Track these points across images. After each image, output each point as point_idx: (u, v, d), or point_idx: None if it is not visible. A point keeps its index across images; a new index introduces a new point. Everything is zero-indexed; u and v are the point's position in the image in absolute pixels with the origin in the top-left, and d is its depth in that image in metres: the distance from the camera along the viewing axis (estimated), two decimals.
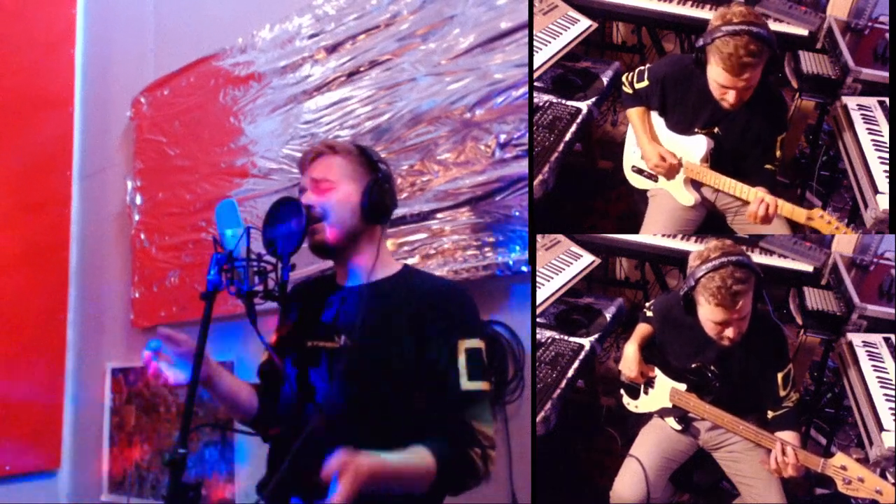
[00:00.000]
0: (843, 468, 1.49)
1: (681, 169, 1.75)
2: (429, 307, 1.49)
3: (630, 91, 1.81)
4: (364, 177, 1.57)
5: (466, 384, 1.44)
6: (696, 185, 1.77)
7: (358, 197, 1.54)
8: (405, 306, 1.50)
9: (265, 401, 1.64)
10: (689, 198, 1.77)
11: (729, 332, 1.60)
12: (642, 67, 1.81)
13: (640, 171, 1.84)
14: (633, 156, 1.85)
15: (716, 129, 1.72)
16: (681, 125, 1.76)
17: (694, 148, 1.73)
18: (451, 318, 1.49)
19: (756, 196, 1.63)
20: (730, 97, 1.64)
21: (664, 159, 1.75)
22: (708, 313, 1.60)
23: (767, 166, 1.70)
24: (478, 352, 1.47)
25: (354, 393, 1.46)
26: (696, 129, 1.73)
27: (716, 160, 1.72)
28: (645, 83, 1.78)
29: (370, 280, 1.56)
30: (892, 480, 1.66)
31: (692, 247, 1.83)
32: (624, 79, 1.82)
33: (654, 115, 1.80)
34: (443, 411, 1.44)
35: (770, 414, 1.66)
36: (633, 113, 1.82)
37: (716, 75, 1.63)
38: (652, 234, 1.85)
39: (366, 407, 1.46)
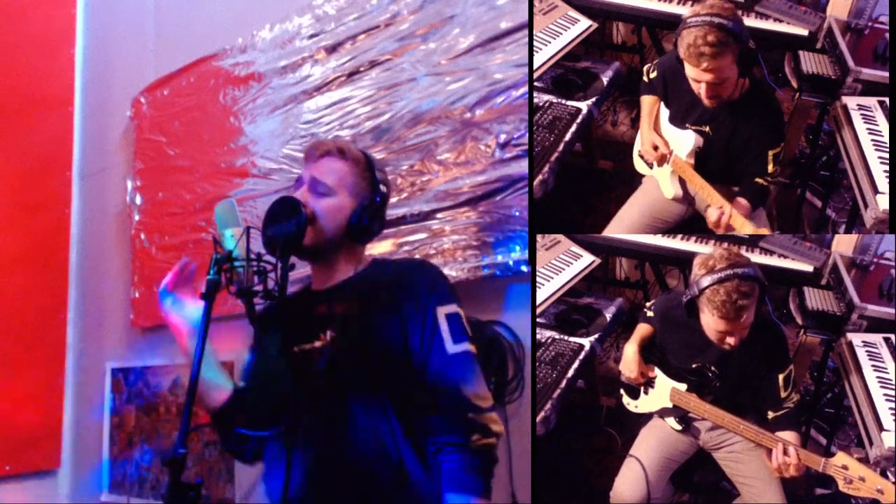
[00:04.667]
0: (845, 467, 1.49)
1: (669, 160, 1.76)
2: (400, 288, 1.50)
3: (646, 80, 1.83)
4: (363, 192, 1.56)
5: (452, 347, 1.45)
6: (682, 179, 1.77)
7: (349, 212, 1.54)
8: (379, 294, 1.50)
9: (247, 399, 1.61)
10: (670, 190, 1.78)
11: (731, 340, 1.60)
12: (658, 59, 1.83)
13: (642, 157, 1.85)
14: (639, 142, 1.86)
15: (707, 128, 1.72)
16: (677, 118, 1.77)
17: (683, 143, 1.74)
18: (423, 290, 1.49)
19: (716, 203, 1.64)
20: (703, 91, 1.64)
21: (656, 148, 1.77)
22: (711, 322, 1.60)
23: (758, 180, 1.69)
24: (457, 315, 1.49)
25: (345, 384, 1.46)
26: (687, 125, 1.74)
27: (704, 159, 1.72)
28: (654, 74, 1.81)
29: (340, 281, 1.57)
30: (893, 480, 1.66)
31: (692, 247, 1.83)
32: (644, 69, 1.84)
33: (663, 105, 1.81)
34: (433, 379, 1.44)
35: (770, 414, 1.66)
36: (644, 100, 1.83)
37: (686, 69, 1.64)
38: (628, 217, 1.85)
39: (358, 396, 1.46)
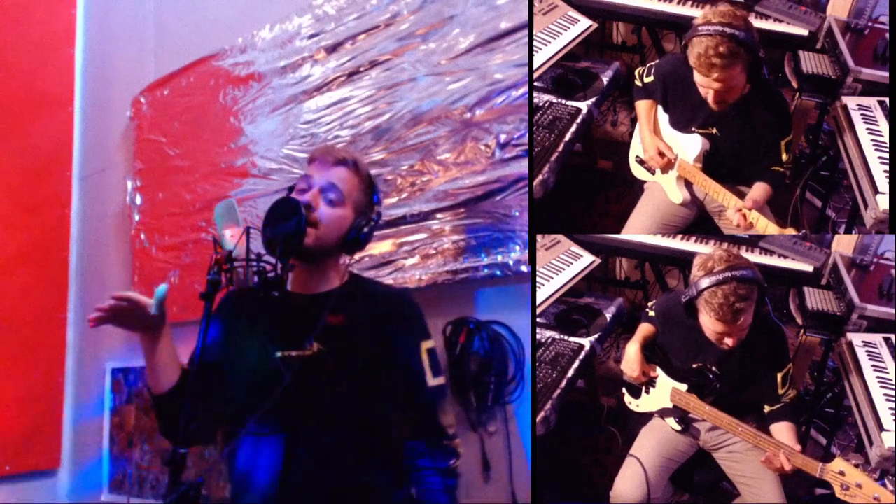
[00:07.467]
0: (842, 473, 1.48)
1: (675, 165, 1.76)
2: (388, 314, 1.57)
3: (640, 84, 1.83)
4: (363, 209, 1.60)
5: (431, 381, 1.56)
6: (688, 183, 1.77)
7: (350, 225, 1.57)
8: (363, 311, 1.56)
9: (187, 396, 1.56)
10: (678, 195, 1.78)
11: (728, 341, 1.60)
12: (652, 63, 1.82)
13: (641, 162, 1.85)
14: (637, 146, 1.86)
15: (714, 130, 1.72)
16: (680, 123, 1.76)
17: (689, 147, 1.73)
18: (411, 323, 1.60)
19: (735, 205, 1.64)
20: (710, 97, 1.64)
21: (661, 154, 1.76)
22: (709, 323, 1.60)
23: (775, 168, 1.69)
24: (434, 351, 1.60)
25: (329, 398, 1.49)
26: (693, 129, 1.73)
27: (712, 161, 1.72)
28: (651, 79, 1.80)
29: (326, 290, 1.58)
30: (893, 481, 1.66)
31: (692, 247, 1.83)
32: (636, 73, 1.84)
33: (660, 109, 1.81)
34: (415, 409, 1.56)
35: (767, 408, 1.67)
36: (641, 105, 1.83)
37: (695, 75, 1.64)
38: (637, 225, 1.85)
39: (338, 410, 1.49)
